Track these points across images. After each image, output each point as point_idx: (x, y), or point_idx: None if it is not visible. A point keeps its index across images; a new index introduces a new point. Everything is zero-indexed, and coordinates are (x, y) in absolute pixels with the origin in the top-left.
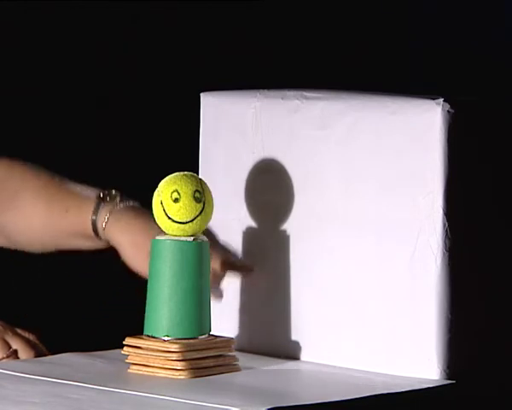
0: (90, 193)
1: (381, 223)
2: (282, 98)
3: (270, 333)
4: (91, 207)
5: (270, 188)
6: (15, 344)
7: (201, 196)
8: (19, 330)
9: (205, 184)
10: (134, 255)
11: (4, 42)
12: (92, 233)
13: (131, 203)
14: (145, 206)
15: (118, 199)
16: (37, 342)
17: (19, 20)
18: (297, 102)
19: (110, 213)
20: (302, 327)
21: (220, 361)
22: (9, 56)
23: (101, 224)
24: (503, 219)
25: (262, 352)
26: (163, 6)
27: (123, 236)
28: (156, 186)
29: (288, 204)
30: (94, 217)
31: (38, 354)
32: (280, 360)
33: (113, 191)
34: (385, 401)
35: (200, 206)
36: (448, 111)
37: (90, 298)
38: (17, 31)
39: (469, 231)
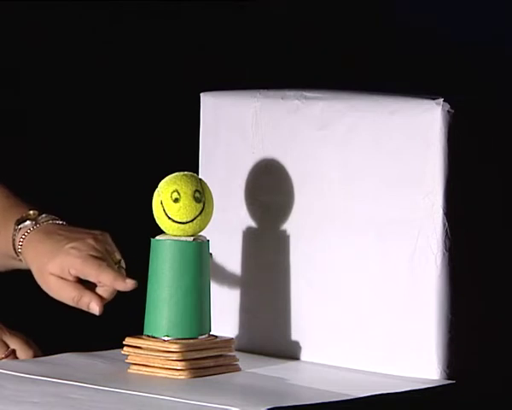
0: (13, 214)
1: (380, 223)
2: (282, 98)
3: (270, 333)
4: (12, 230)
5: (270, 188)
6: (13, 344)
7: (201, 196)
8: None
9: (205, 184)
10: (40, 280)
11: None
12: (15, 254)
13: (43, 222)
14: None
15: (33, 220)
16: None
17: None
18: (297, 102)
19: (24, 236)
20: (302, 327)
21: (220, 361)
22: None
23: (17, 248)
24: (503, 220)
25: (262, 352)
26: (163, 6)
27: (32, 262)
28: (156, 186)
29: (288, 204)
30: (13, 239)
31: (36, 354)
32: (280, 360)
33: (31, 211)
34: (385, 401)
35: (200, 206)
36: (448, 111)
37: None
38: (16, 31)
39: (469, 231)
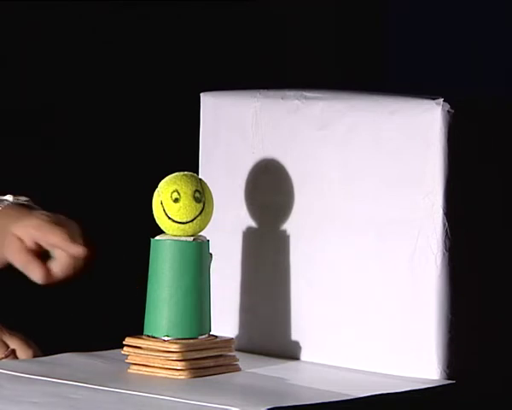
0: None
1: (380, 223)
2: (282, 98)
3: (270, 333)
4: None
5: (270, 188)
6: (13, 344)
7: (201, 196)
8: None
9: (205, 184)
10: (2, 244)
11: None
12: None
13: (24, 202)
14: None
15: (14, 198)
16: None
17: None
18: (297, 102)
19: (0, 207)
20: (302, 327)
21: (220, 361)
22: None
23: None
24: (503, 220)
25: (262, 352)
26: (163, 6)
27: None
28: (156, 186)
29: (287, 204)
30: None
31: (36, 354)
32: (280, 360)
33: (13, 195)
34: (385, 401)
35: (200, 206)
36: (448, 111)
37: (90, 298)
38: (16, 31)
39: (469, 231)
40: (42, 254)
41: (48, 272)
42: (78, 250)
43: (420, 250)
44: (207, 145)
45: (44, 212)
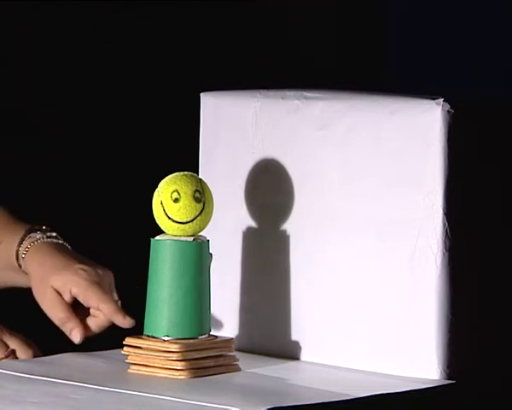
0: (22, 226)
1: (380, 223)
2: (282, 98)
3: (270, 333)
4: (18, 239)
5: (270, 188)
6: (13, 344)
7: (201, 196)
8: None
9: (205, 184)
10: (37, 289)
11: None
12: (17, 265)
13: (54, 239)
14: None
15: (44, 233)
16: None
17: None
18: (297, 102)
19: (32, 244)
20: (302, 327)
21: (220, 361)
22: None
23: (21, 254)
24: (503, 220)
25: (262, 352)
26: (163, 6)
27: (34, 271)
28: (156, 186)
29: (288, 204)
30: (18, 248)
31: (36, 354)
32: (280, 360)
33: (44, 226)
34: (385, 401)
35: (200, 206)
36: (448, 111)
37: None
38: (16, 31)
39: (469, 231)
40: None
41: (85, 331)
42: (125, 323)
43: (420, 250)
44: (207, 145)
45: (82, 264)
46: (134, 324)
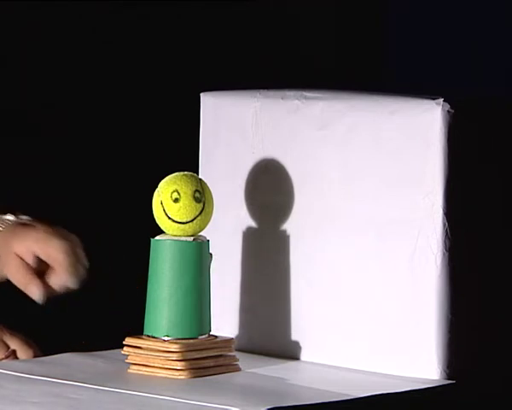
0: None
1: (380, 223)
2: (282, 98)
3: (270, 333)
4: None
5: (270, 188)
6: (13, 344)
7: (201, 196)
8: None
9: (205, 184)
10: (4, 263)
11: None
12: None
13: (27, 221)
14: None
15: (16, 216)
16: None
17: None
18: (297, 102)
19: (2, 226)
20: (302, 327)
21: (220, 361)
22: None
23: None
24: (503, 220)
25: (262, 352)
26: (163, 6)
27: (0, 245)
28: (156, 186)
29: (288, 204)
30: None
31: (36, 354)
32: (280, 360)
33: (18, 213)
34: (385, 401)
35: (200, 206)
36: (448, 111)
37: (89, 298)
38: (16, 31)
39: (469, 231)
40: (42, 271)
41: (47, 290)
42: (79, 260)
43: (420, 250)
44: (207, 145)
45: (44, 227)
46: (86, 262)
